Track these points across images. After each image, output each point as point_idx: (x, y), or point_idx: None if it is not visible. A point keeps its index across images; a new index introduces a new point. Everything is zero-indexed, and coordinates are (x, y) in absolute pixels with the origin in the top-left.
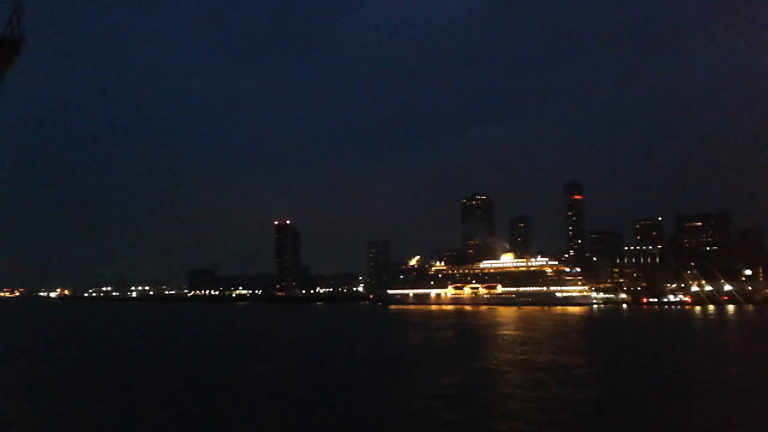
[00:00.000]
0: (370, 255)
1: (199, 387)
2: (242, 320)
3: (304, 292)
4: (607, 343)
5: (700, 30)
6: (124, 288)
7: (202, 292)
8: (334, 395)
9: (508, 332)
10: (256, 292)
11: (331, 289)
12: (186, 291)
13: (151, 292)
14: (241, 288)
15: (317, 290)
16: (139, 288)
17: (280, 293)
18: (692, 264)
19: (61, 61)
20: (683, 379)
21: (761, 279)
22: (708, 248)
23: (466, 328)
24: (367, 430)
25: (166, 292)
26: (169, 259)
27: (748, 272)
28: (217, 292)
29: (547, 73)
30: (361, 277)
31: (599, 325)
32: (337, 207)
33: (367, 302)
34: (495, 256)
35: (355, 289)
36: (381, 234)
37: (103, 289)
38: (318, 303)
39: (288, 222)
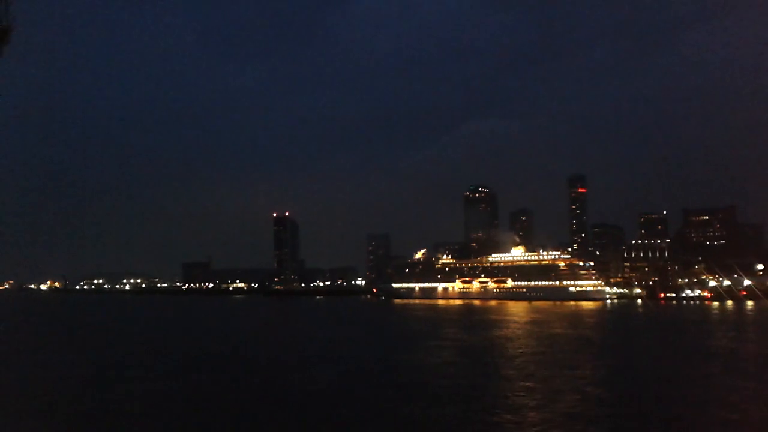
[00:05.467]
0: (370, 248)
1: (309, 397)
2: (257, 316)
3: (303, 285)
4: (701, 343)
5: (702, 26)
6: (115, 281)
7: (197, 285)
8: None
9: (568, 331)
10: (253, 285)
11: (329, 283)
12: (179, 284)
13: (143, 285)
14: (237, 281)
15: (316, 284)
16: (131, 281)
17: (278, 287)
18: (699, 258)
19: (50, 56)
20: None
21: None
22: (715, 243)
23: (514, 327)
24: None
25: (159, 285)
26: (162, 251)
27: (760, 266)
28: (212, 285)
29: (547, 66)
30: (359, 271)
31: (652, 322)
32: (335, 200)
33: (369, 296)
34: (500, 249)
35: (354, 282)
36: (379, 227)
37: (95, 281)
38: (317, 297)
39: (287, 214)
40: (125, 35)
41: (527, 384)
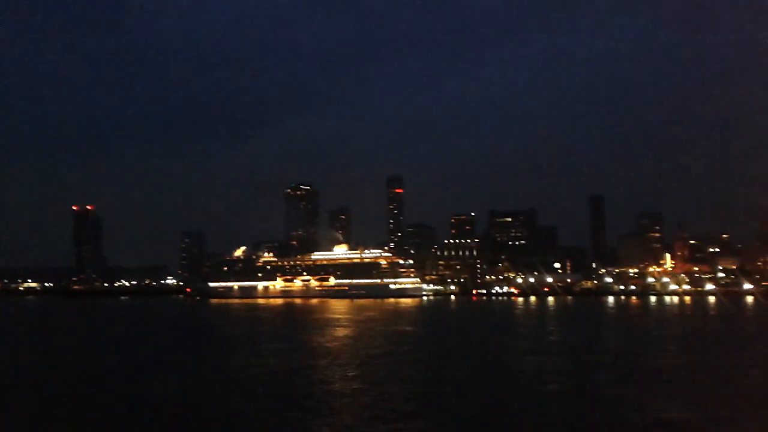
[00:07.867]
0: (183, 246)
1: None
2: (56, 319)
3: (106, 285)
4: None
5: (506, 41)
6: None
7: None
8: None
9: (408, 329)
10: (48, 285)
11: (135, 282)
12: None
13: None
14: (29, 281)
15: (121, 283)
16: None
17: (77, 286)
18: (503, 257)
19: None
20: None
21: (570, 271)
22: (517, 242)
23: (353, 326)
24: None
25: None
26: None
27: (557, 265)
28: None
29: (367, 69)
30: (171, 270)
31: (479, 318)
32: (146, 195)
33: (182, 296)
34: (321, 248)
35: (164, 281)
36: (194, 224)
37: None
38: (122, 297)
39: (89, 208)
40: None
41: (396, 387)
